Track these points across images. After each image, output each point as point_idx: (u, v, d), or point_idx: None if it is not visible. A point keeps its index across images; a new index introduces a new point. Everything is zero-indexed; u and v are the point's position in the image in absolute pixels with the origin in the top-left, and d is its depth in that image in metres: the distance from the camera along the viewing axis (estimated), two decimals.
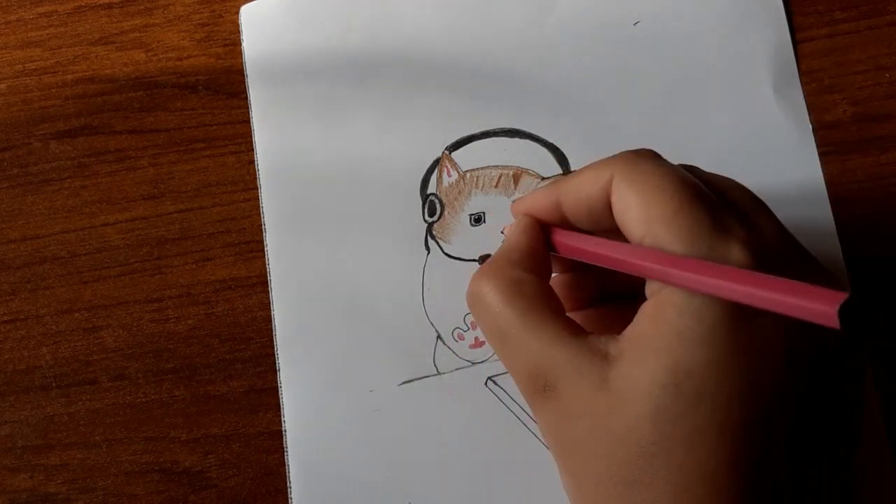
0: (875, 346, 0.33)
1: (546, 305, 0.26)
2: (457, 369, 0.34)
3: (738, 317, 0.22)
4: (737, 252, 0.23)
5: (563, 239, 0.28)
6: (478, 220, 0.36)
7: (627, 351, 0.23)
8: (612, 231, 0.27)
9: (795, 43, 0.37)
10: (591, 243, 0.26)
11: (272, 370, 0.35)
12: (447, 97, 0.37)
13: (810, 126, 0.36)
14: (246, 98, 0.38)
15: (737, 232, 0.23)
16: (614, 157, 0.26)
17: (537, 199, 0.28)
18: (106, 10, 0.39)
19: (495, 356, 0.34)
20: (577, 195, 0.26)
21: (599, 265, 0.26)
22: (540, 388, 0.24)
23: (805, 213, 0.35)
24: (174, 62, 0.39)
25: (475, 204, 0.36)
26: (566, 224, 0.28)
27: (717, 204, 0.24)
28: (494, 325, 0.26)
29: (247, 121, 0.38)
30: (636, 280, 0.25)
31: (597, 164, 0.26)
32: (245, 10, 0.39)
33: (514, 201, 0.30)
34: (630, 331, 0.24)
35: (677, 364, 0.22)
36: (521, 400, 0.34)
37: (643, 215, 0.24)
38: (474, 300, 0.27)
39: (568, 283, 0.30)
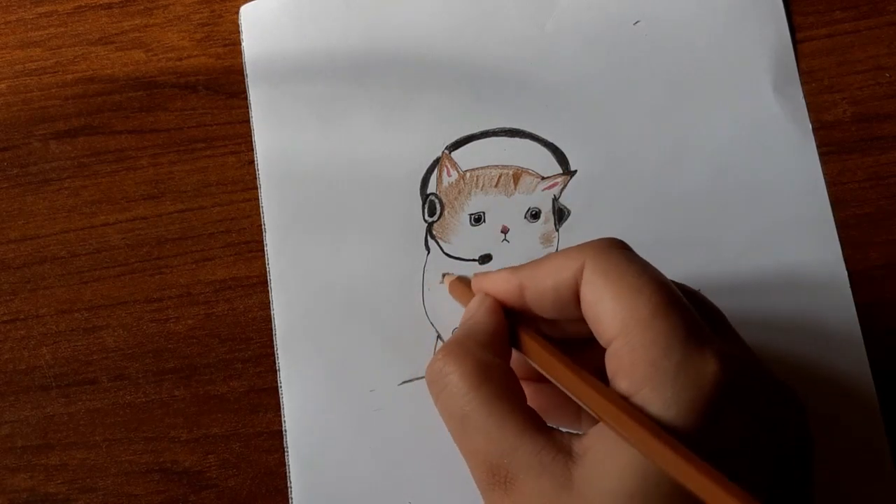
0: (877, 346, 0.33)
1: (512, 394, 0.25)
2: None
3: (711, 420, 0.22)
4: (712, 363, 0.22)
5: (531, 342, 0.26)
6: (478, 219, 0.36)
7: (593, 451, 0.23)
8: (574, 321, 0.26)
9: (795, 43, 0.37)
10: (561, 364, 0.25)
11: (272, 370, 0.35)
12: (447, 97, 0.37)
13: (810, 126, 0.36)
14: (246, 98, 0.38)
15: (712, 342, 0.23)
16: (584, 245, 0.25)
17: (499, 282, 0.27)
18: (106, 10, 0.39)
19: None
20: (543, 283, 0.26)
21: (556, 383, 0.25)
22: (499, 481, 0.23)
23: (805, 214, 0.35)
24: (174, 62, 0.39)
25: (475, 204, 0.36)
26: (526, 310, 0.27)
27: (691, 311, 0.24)
28: (457, 408, 0.25)
29: (247, 121, 0.38)
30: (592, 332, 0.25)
31: (565, 253, 0.25)
32: (245, 10, 0.39)
33: (475, 275, 0.29)
34: (597, 429, 0.23)
35: (647, 470, 0.22)
36: None
37: (618, 314, 0.23)
38: (437, 378, 0.26)
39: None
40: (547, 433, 0.24)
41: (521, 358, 0.28)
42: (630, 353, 0.23)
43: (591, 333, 0.26)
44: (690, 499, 0.21)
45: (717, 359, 0.23)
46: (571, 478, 0.22)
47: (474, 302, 0.28)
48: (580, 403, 0.24)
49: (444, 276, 0.35)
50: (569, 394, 0.24)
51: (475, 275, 0.29)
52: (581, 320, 0.26)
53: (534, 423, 0.24)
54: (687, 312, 0.23)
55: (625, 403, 0.22)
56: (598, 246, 0.25)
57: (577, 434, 0.24)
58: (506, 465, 0.23)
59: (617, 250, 0.25)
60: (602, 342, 0.24)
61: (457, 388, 0.25)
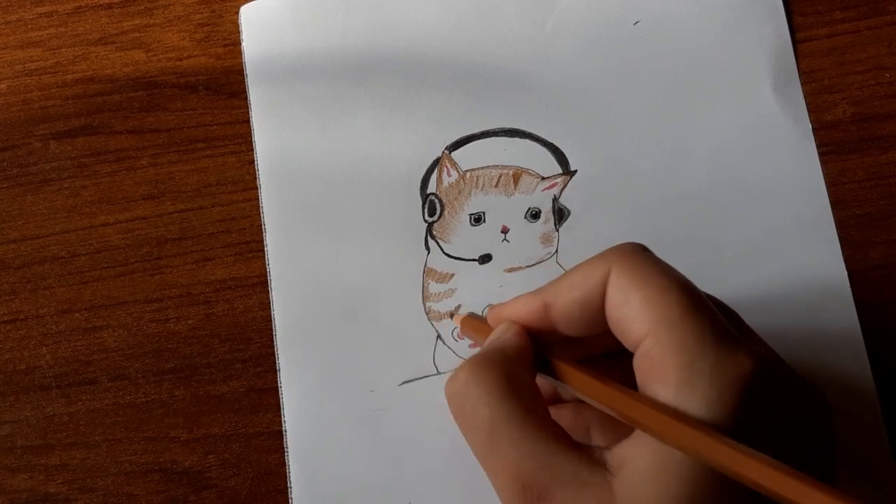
0: (877, 346, 0.33)
1: (540, 408, 0.24)
2: None
3: (746, 419, 0.22)
4: (746, 363, 0.22)
5: (562, 364, 0.25)
6: (478, 219, 0.36)
7: (632, 462, 0.22)
8: (596, 336, 0.26)
9: (795, 43, 0.37)
10: (600, 383, 0.24)
11: (272, 370, 0.35)
12: (447, 97, 0.37)
13: (810, 126, 0.36)
14: (246, 98, 0.38)
15: (741, 342, 0.23)
16: (606, 252, 0.25)
17: (521, 306, 0.26)
18: (106, 10, 0.39)
19: None
20: (568, 296, 0.25)
21: (593, 402, 0.24)
22: (533, 498, 0.22)
23: (805, 213, 0.35)
24: (174, 62, 0.39)
25: (475, 204, 0.36)
26: (551, 331, 0.26)
27: (717, 312, 0.24)
28: (484, 420, 0.23)
29: (247, 121, 0.38)
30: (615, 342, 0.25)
31: (587, 263, 0.25)
32: (245, 10, 0.39)
33: (489, 308, 0.28)
34: (633, 440, 0.23)
35: (694, 475, 0.21)
36: None
37: (646, 314, 0.23)
38: (461, 391, 0.24)
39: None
40: (579, 448, 0.23)
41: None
42: (661, 353, 0.23)
43: (611, 348, 0.26)
44: (739, 500, 0.21)
45: (750, 358, 0.22)
46: (612, 491, 0.22)
47: (500, 328, 0.27)
48: (623, 419, 0.23)
49: (452, 315, 0.35)
50: (609, 410, 0.24)
51: (490, 308, 0.28)
52: (600, 337, 0.25)
53: (565, 438, 0.23)
54: (714, 313, 0.23)
55: (675, 412, 0.22)
56: (622, 250, 0.25)
57: (605, 448, 0.23)
58: (540, 481, 0.22)
59: (641, 253, 0.25)
60: (628, 344, 0.24)
61: (484, 399, 0.24)
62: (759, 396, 0.22)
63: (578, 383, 0.25)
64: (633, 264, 0.24)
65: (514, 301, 0.27)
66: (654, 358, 0.23)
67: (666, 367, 0.22)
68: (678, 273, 0.24)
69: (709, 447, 0.21)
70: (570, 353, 0.27)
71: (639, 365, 0.24)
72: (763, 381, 0.22)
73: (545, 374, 0.26)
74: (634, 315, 0.23)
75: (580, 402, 0.28)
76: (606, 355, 0.28)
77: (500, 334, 0.26)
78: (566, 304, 0.25)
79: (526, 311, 0.26)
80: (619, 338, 0.24)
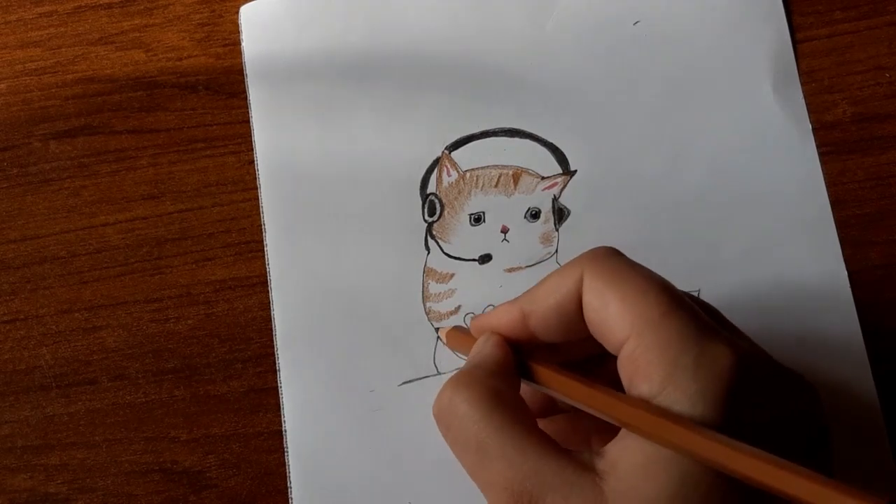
0: (877, 346, 0.33)
1: (526, 418, 0.24)
2: (457, 369, 0.34)
3: (732, 412, 0.22)
4: (727, 355, 0.22)
5: (545, 370, 0.26)
6: (477, 219, 0.36)
7: (623, 463, 0.22)
8: (576, 342, 0.26)
9: (795, 43, 0.37)
10: (584, 385, 0.24)
11: (272, 370, 0.35)
12: (447, 97, 0.37)
13: (810, 126, 0.36)
14: (246, 98, 0.38)
15: (723, 334, 0.23)
16: (579, 257, 0.25)
17: (500, 316, 0.27)
18: (106, 10, 0.39)
19: None
20: (544, 303, 0.25)
21: (579, 405, 0.25)
22: None
23: (805, 214, 0.35)
24: (174, 62, 0.39)
25: (475, 204, 0.36)
26: (531, 339, 0.27)
27: (696, 308, 0.24)
28: (472, 436, 0.24)
29: (247, 121, 0.38)
30: (596, 348, 0.25)
31: (561, 269, 0.25)
32: (245, 10, 0.39)
33: (472, 319, 0.29)
34: (621, 443, 0.23)
35: (685, 473, 0.21)
36: None
37: (626, 316, 0.23)
38: (447, 409, 0.25)
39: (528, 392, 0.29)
40: (567, 453, 0.23)
41: (525, 393, 0.27)
42: (645, 353, 0.23)
43: (592, 351, 0.26)
44: (727, 495, 0.21)
45: (731, 350, 0.22)
46: (603, 493, 0.22)
47: (480, 341, 0.27)
48: (608, 419, 0.23)
49: (437, 329, 0.35)
50: (594, 412, 0.24)
51: (472, 319, 0.29)
52: (584, 341, 0.25)
53: (552, 445, 0.24)
54: (695, 310, 0.23)
55: (659, 409, 0.22)
56: (594, 254, 0.25)
57: (596, 452, 0.24)
58: (529, 489, 0.23)
59: (613, 256, 0.25)
60: (611, 347, 0.24)
61: (469, 416, 0.24)
62: (745, 390, 0.22)
63: (561, 387, 0.25)
64: (607, 267, 0.24)
65: (493, 311, 0.27)
66: (638, 359, 0.23)
67: (650, 366, 0.23)
68: (654, 273, 0.24)
69: (693, 441, 0.21)
70: (553, 359, 0.27)
71: (623, 367, 0.24)
72: (747, 375, 0.22)
73: (528, 380, 0.26)
74: (614, 318, 0.23)
75: (578, 410, 0.29)
76: (593, 359, 0.28)
77: (480, 348, 0.27)
78: (542, 311, 0.26)
79: (505, 320, 0.27)
80: (602, 341, 0.25)
